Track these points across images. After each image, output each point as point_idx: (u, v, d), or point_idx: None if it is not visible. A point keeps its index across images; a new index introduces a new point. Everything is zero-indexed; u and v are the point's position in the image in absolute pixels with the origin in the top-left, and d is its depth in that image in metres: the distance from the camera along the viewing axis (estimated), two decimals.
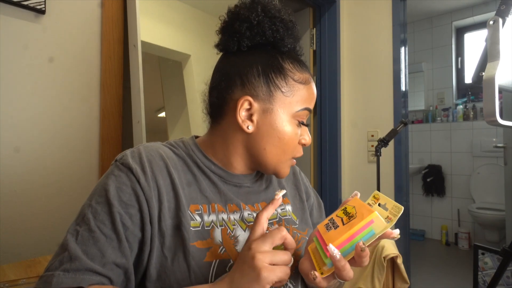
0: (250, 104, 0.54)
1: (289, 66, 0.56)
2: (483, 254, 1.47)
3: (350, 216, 0.45)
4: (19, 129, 0.92)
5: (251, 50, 0.56)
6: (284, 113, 0.55)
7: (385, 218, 0.44)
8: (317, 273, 0.42)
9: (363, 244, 0.41)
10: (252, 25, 0.54)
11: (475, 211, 3.03)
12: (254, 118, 0.54)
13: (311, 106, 0.58)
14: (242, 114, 0.54)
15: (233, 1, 0.58)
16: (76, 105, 1.04)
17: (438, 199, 3.63)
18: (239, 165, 0.59)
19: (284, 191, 0.49)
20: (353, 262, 0.42)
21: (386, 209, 0.47)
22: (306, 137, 0.59)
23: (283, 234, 0.43)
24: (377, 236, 0.42)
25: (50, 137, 0.98)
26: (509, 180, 2.03)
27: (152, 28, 1.52)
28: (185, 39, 1.73)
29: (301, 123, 0.57)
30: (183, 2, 1.70)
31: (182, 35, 1.72)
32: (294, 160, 0.60)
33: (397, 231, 0.44)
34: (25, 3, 0.91)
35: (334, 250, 0.41)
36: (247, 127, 0.54)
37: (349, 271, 0.41)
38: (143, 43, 1.14)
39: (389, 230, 0.43)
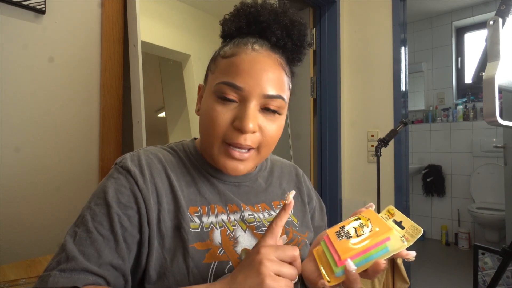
0: (201, 90, 0.58)
1: (226, 46, 0.54)
2: (483, 254, 1.47)
3: (364, 228, 0.45)
4: (19, 129, 0.92)
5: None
6: (207, 92, 0.54)
7: (401, 237, 0.43)
8: (326, 283, 0.41)
9: (384, 263, 0.40)
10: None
11: (475, 211, 3.03)
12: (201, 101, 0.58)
13: (235, 81, 0.49)
14: (198, 100, 0.59)
15: (232, 1, 0.58)
16: (76, 105, 1.04)
17: (438, 199, 3.62)
18: None
19: (294, 192, 0.46)
20: (364, 274, 0.42)
21: (402, 228, 0.45)
22: (237, 121, 0.49)
23: (295, 255, 0.41)
24: (391, 254, 0.41)
25: (50, 137, 0.98)
26: (509, 180, 2.03)
27: (152, 28, 1.52)
28: (185, 39, 1.73)
29: (229, 101, 0.50)
30: (183, 2, 1.70)
31: (182, 35, 1.72)
32: (233, 150, 0.50)
33: (413, 253, 0.43)
34: (25, 3, 0.91)
35: (351, 265, 0.40)
36: (196, 110, 0.59)
37: (359, 282, 0.41)
38: (143, 43, 1.14)
39: (404, 250, 0.42)
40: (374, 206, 0.50)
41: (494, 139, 3.24)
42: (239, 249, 0.52)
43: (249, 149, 0.52)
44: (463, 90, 3.65)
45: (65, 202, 1.00)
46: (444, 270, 2.78)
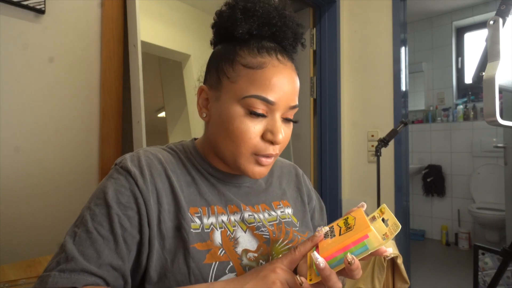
0: (207, 93, 0.56)
1: (243, 52, 0.52)
2: (483, 254, 1.47)
3: (348, 228, 0.45)
4: (19, 129, 0.92)
5: (219, 43, 0.57)
6: (230, 101, 0.51)
7: (383, 235, 0.43)
8: (303, 279, 0.41)
9: (352, 258, 0.39)
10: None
11: (475, 211, 3.03)
12: (209, 106, 0.56)
13: (268, 95, 0.50)
14: (200, 102, 0.56)
15: None
16: (76, 105, 1.04)
17: (438, 199, 3.62)
18: (220, 162, 0.58)
19: (327, 229, 0.47)
20: (345, 273, 0.42)
21: (387, 225, 0.45)
22: (270, 134, 0.51)
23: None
24: (370, 252, 0.41)
25: (50, 137, 0.98)
26: (509, 180, 2.03)
27: (152, 28, 1.52)
28: (185, 39, 1.73)
29: (260, 115, 0.51)
30: (183, 2, 1.70)
31: (182, 35, 1.72)
32: (263, 159, 0.53)
33: (390, 250, 0.43)
34: (25, 3, 0.91)
35: (318, 258, 0.40)
36: (203, 115, 0.56)
37: (335, 282, 0.40)
38: (143, 43, 1.14)
39: (382, 247, 0.41)
40: (365, 206, 0.50)
41: (494, 139, 3.23)
42: (239, 249, 0.52)
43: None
44: (463, 90, 3.65)
45: (65, 202, 1.00)
46: (444, 270, 2.78)
